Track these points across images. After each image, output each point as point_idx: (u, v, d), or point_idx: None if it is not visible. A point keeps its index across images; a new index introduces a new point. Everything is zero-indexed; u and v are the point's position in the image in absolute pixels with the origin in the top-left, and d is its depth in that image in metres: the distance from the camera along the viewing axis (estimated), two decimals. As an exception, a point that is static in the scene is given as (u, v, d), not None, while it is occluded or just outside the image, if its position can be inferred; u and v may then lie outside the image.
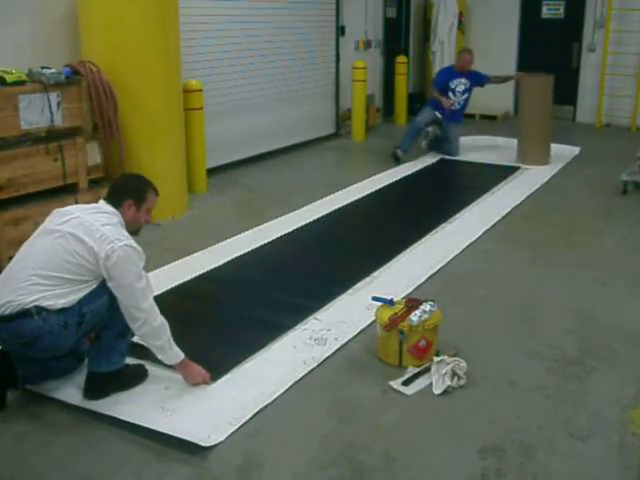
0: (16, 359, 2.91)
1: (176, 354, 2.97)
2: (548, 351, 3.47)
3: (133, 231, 3.00)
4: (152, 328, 2.87)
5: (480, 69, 7.98)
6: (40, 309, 2.71)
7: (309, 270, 4.55)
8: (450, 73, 7.86)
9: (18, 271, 2.81)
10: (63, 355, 2.98)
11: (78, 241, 2.77)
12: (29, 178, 4.51)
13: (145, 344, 2.95)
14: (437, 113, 7.73)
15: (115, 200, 2.97)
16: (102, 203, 2.99)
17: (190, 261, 4.66)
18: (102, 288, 2.83)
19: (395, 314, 3.29)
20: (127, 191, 3.00)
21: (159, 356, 2.97)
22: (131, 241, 2.85)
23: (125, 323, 2.86)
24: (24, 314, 2.70)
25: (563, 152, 8.02)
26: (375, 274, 4.40)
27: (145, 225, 3.11)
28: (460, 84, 7.77)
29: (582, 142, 8.64)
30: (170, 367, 3.05)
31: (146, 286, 2.86)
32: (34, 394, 3.02)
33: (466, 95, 7.85)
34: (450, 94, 7.74)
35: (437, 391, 3.07)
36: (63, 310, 2.75)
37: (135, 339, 3.02)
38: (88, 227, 2.81)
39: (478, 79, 7.89)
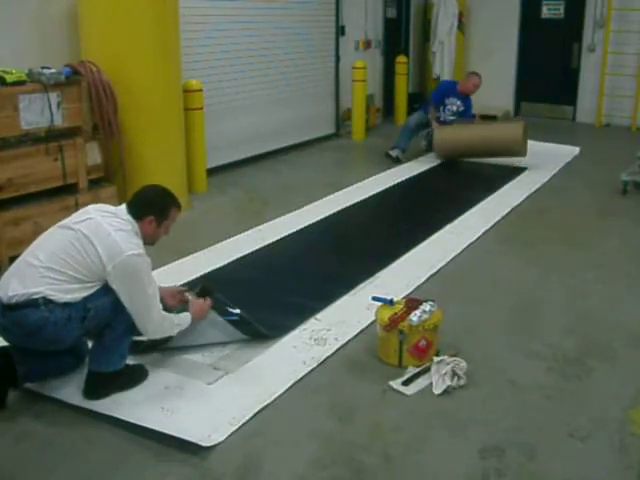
0: (17, 356, 2.91)
1: (186, 321, 3.09)
2: (548, 351, 3.47)
3: (149, 243, 3.03)
4: (162, 329, 2.99)
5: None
6: (47, 300, 2.75)
7: (309, 270, 4.54)
8: (451, 90, 7.70)
9: (29, 263, 2.84)
10: (63, 352, 2.99)
11: (89, 244, 2.80)
12: (29, 178, 4.51)
13: None
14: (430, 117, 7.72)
15: (137, 213, 2.97)
16: (121, 208, 3.00)
17: (190, 261, 4.66)
18: (108, 288, 2.84)
19: (395, 314, 3.29)
20: (151, 207, 3.01)
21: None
22: (140, 250, 2.87)
23: (128, 324, 2.88)
24: (31, 304, 2.74)
25: (563, 152, 8.02)
26: (375, 274, 4.40)
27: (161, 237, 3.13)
28: (454, 105, 7.64)
29: (582, 142, 8.64)
30: (170, 367, 3.06)
31: (153, 294, 2.89)
32: (35, 394, 3.02)
33: (453, 118, 7.65)
34: (441, 108, 7.68)
35: (437, 391, 3.07)
36: (68, 304, 2.78)
37: (134, 338, 3.03)
38: (101, 231, 2.83)
39: (469, 110, 7.71)
